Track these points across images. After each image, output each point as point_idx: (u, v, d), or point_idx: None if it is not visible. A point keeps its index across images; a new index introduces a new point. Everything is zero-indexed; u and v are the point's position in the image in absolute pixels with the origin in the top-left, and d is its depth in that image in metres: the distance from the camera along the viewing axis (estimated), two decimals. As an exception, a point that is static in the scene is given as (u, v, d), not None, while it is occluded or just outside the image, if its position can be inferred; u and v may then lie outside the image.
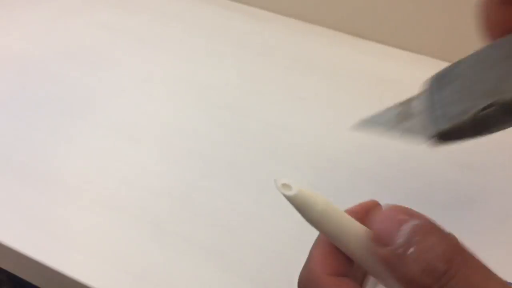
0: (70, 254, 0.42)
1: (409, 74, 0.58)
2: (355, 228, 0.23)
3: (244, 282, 0.40)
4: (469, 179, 0.47)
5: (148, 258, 0.42)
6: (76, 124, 0.52)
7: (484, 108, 0.20)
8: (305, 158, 0.49)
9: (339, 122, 0.52)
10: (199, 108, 0.54)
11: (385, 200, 0.46)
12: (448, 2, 0.56)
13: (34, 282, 0.45)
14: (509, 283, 0.21)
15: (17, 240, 0.43)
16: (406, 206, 0.40)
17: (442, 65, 0.59)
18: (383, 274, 0.22)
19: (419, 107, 0.22)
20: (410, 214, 0.21)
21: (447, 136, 0.21)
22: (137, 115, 0.53)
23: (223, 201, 0.45)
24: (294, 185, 0.23)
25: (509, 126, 0.21)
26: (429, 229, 0.20)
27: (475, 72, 0.22)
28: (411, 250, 0.20)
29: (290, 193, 0.23)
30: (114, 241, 0.43)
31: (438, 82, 0.23)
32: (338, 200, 0.47)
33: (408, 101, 0.23)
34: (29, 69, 0.58)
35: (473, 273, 0.20)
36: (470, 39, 0.57)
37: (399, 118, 0.23)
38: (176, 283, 0.40)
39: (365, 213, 0.25)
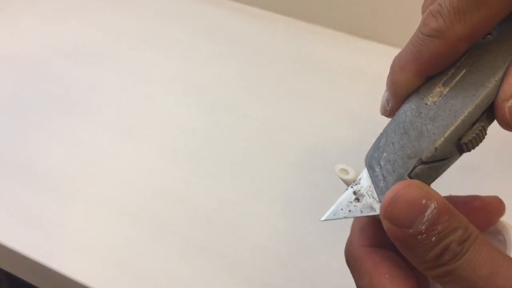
0: (69, 254, 0.42)
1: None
2: None
3: (244, 282, 0.40)
4: (469, 179, 0.47)
5: (148, 258, 0.42)
6: (75, 124, 0.52)
7: (411, 171, 0.24)
8: (305, 158, 0.49)
9: (339, 122, 0.52)
10: (198, 108, 0.54)
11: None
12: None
13: (33, 282, 0.45)
14: None
15: (16, 240, 0.43)
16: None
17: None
18: None
19: (366, 185, 0.26)
20: (428, 196, 0.22)
21: None
22: (137, 115, 0.53)
23: (223, 201, 0.45)
24: (351, 169, 0.27)
25: (446, 168, 0.24)
26: (447, 216, 0.21)
27: (395, 141, 0.26)
28: (434, 238, 0.21)
29: (348, 177, 0.26)
30: (113, 241, 0.43)
31: (373, 158, 0.27)
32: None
33: (357, 182, 0.27)
34: (29, 69, 0.58)
35: (482, 246, 0.22)
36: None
37: (353, 202, 0.26)
38: (176, 283, 0.40)
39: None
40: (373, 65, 0.59)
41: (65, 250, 0.42)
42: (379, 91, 0.59)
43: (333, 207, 0.27)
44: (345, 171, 0.27)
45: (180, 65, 0.59)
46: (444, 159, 0.24)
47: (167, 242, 0.42)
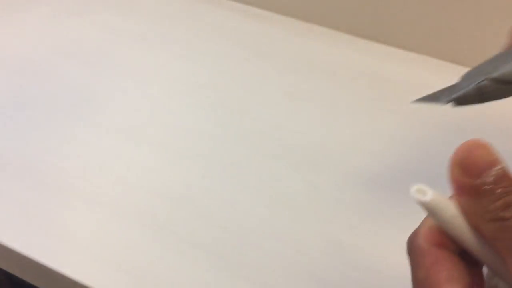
0: (70, 254, 0.42)
1: (409, 74, 0.58)
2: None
3: (244, 282, 0.40)
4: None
5: (148, 258, 0.42)
6: (76, 124, 0.52)
7: (479, 82, 0.31)
8: (305, 158, 0.49)
9: (339, 122, 0.52)
10: (199, 108, 0.54)
11: (384, 200, 0.46)
12: (448, 2, 0.56)
13: (33, 282, 0.45)
14: None
15: (16, 240, 0.43)
16: (406, 205, 0.39)
17: (442, 65, 0.59)
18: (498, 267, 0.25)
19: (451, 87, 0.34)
20: (497, 157, 0.24)
21: (459, 101, 0.32)
22: (137, 115, 0.53)
23: (223, 201, 0.45)
24: (429, 191, 0.25)
25: (504, 96, 0.31)
26: (510, 176, 0.24)
27: (487, 64, 0.32)
28: (499, 190, 0.23)
29: (425, 199, 0.25)
30: (114, 241, 0.43)
31: (468, 73, 0.34)
32: (338, 200, 0.47)
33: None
34: (29, 69, 0.58)
35: None
36: (470, 39, 0.57)
37: (439, 94, 0.34)
38: (176, 283, 0.40)
39: None
40: (373, 65, 0.59)
41: (65, 250, 0.42)
42: (379, 91, 0.59)
43: (428, 95, 0.35)
44: (422, 191, 0.26)
45: (180, 65, 0.59)
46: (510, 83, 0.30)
47: (167, 242, 0.42)
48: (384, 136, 0.51)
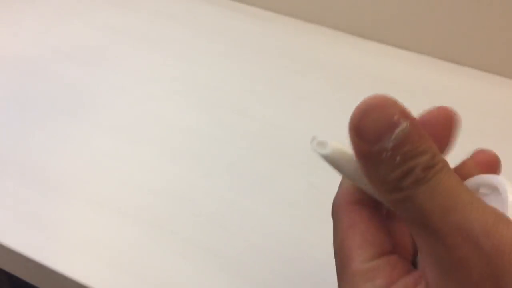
0: (70, 254, 0.42)
1: (409, 74, 0.58)
2: None
3: (244, 282, 0.40)
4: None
5: (148, 258, 0.42)
6: (76, 124, 0.52)
7: None
8: (305, 158, 0.49)
9: (339, 122, 0.52)
10: (199, 108, 0.54)
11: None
12: (448, 2, 0.56)
13: (33, 282, 0.45)
14: None
15: (16, 241, 0.43)
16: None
17: (442, 64, 0.59)
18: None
19: None
20: (402, 113, 0.20)
21: None
22: (137, 115, 0.53)
23: (223, 201, 0.45)
24: (329, 144, 0.23)
25: None
26: (417, 137, 0.20)
27: None
28: (398, 158, 0.20)
29: (325, 151, 0.23)
30: (114, 241, 0.43)
31: None
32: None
33: None
34: (29, 69, 0.58)
35: (447, 177, 0.20)
36: (470, 39, 0.57)
37: None
38: (176, 283, 0.40)
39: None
40: (373, 65, 0.59)
41: (66, 250, 0.42)
42: (379, 91, 0.59)
43: None
44: (322, 144, 0.23)
45: (180, 65, 0.59)
46: None
47: (168, 242, 0.42)
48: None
